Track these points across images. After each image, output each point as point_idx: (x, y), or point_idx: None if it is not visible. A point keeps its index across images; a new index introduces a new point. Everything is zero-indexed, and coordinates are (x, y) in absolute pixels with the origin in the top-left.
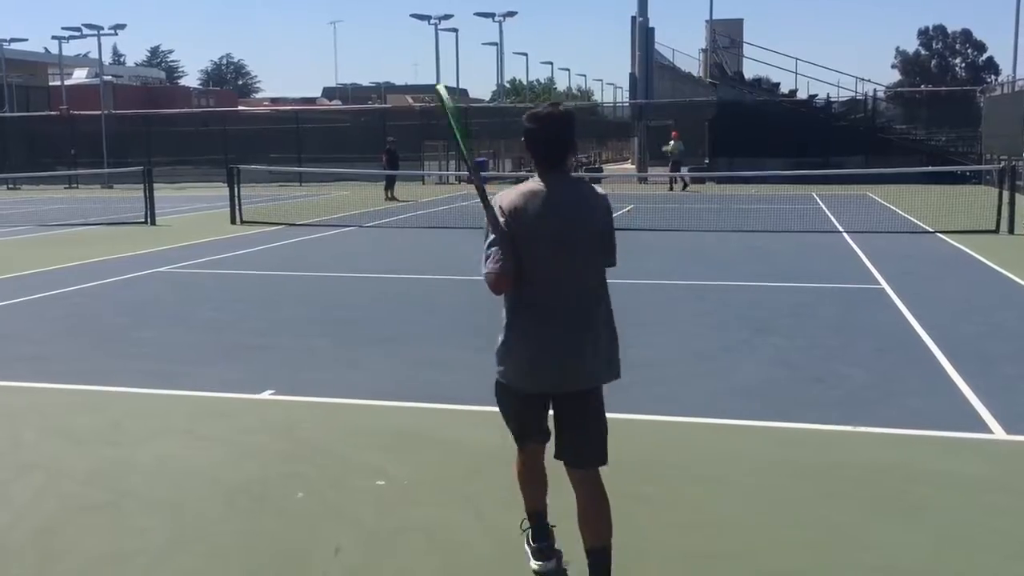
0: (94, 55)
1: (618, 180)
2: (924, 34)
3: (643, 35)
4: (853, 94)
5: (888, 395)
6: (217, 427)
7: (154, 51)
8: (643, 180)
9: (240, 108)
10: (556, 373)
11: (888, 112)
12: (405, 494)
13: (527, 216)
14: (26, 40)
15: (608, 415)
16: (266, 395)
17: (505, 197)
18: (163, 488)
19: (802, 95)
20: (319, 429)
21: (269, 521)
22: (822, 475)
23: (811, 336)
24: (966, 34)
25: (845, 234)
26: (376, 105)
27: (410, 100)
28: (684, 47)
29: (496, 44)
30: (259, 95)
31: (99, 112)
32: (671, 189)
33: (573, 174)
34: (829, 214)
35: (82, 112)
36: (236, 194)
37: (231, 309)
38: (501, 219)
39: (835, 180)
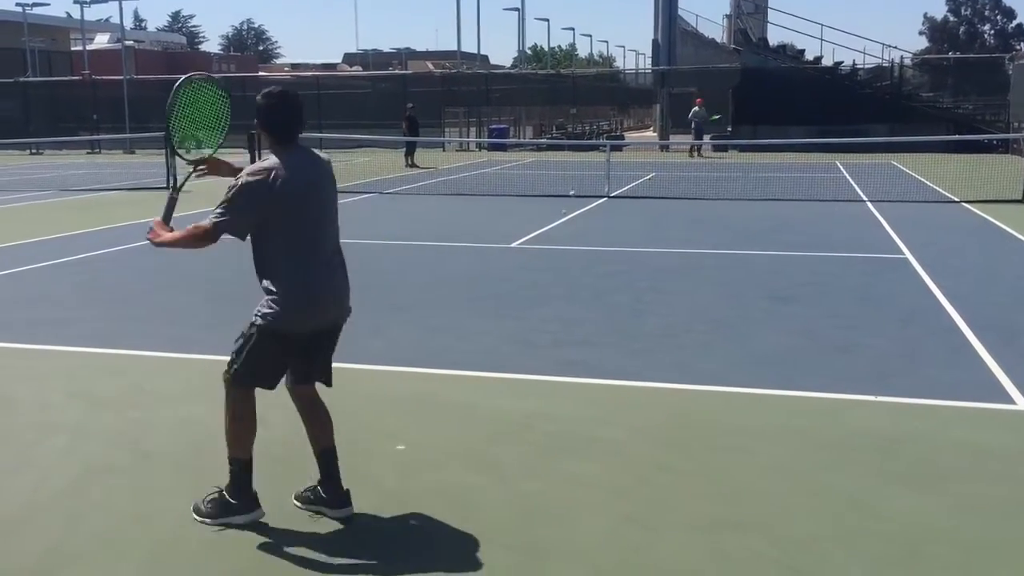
0: (115, 20)
1: (640, 148)
2: (953, 0)
3: (666, 0)
4: (879, 61)
5: (910, 365)
6: None
7: (175, 16)
8: (664, 148)
9: (261, 74)
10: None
11: (914, 80)
12: (425, 459)
13: (293, 186)
14: (48, 4)
15: (629, 383)
16: None
17: (261, 173)
18: (185, 449)
19: (827, 62)
20: (339, 394)
21: (291, 483)
22: (842, 445)
23: (833, 305)
24: (995, 0)
25: (869, 203)
26: (397, 71)
27: (431, 66)
28: (708, 13)
29: (517, 9)
30: (280, 61)
31: (121, 77)
32: (691, 156)
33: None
34: (853, 183)
35: (104, 77)
36: (257, 159)
37: (251, 276)
38: (261, 193)
39: (859, 148)
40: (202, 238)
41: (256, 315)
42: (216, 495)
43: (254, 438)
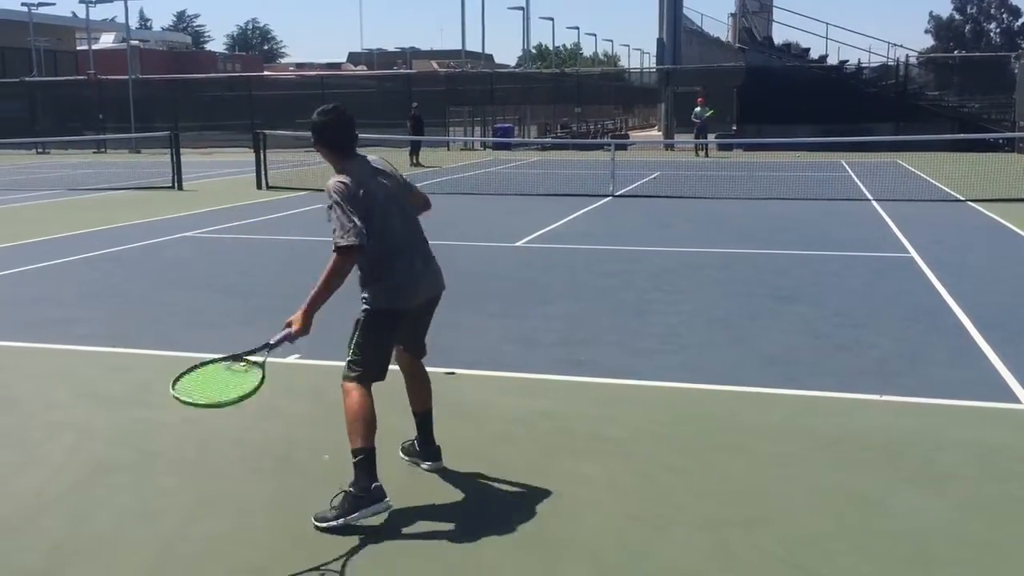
0: (120, 19)
1: (645, 147)
2: None
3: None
4: (884, 60)
5: (915, 364)
6: None
7: (180, 16)
8: (669, 147)
9: (266, 73)
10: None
11: (920, 78)
12: None
13: (370, 191)
14: (53, 4)
15: (632, 382)
16: (292, 359)
17: (346, 184)
18: (191, 449)
19: (832, 61)
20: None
21: (295, 482)
22: (847, 443)
23: (838, 305)
24: None
25: (874, 202)
26: (402, 70)
27: (435, 65)
28: (713, 12)
29: (522, 8)
30: (285, 60)
31: (126, 77)
32: (697, 155)
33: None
34: (858, 182)
35: (109, 77)
36: (262, 159)
37: (257, 274)
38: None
39: (865, 147)
40: (340, 266)
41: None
42: (341, 495)
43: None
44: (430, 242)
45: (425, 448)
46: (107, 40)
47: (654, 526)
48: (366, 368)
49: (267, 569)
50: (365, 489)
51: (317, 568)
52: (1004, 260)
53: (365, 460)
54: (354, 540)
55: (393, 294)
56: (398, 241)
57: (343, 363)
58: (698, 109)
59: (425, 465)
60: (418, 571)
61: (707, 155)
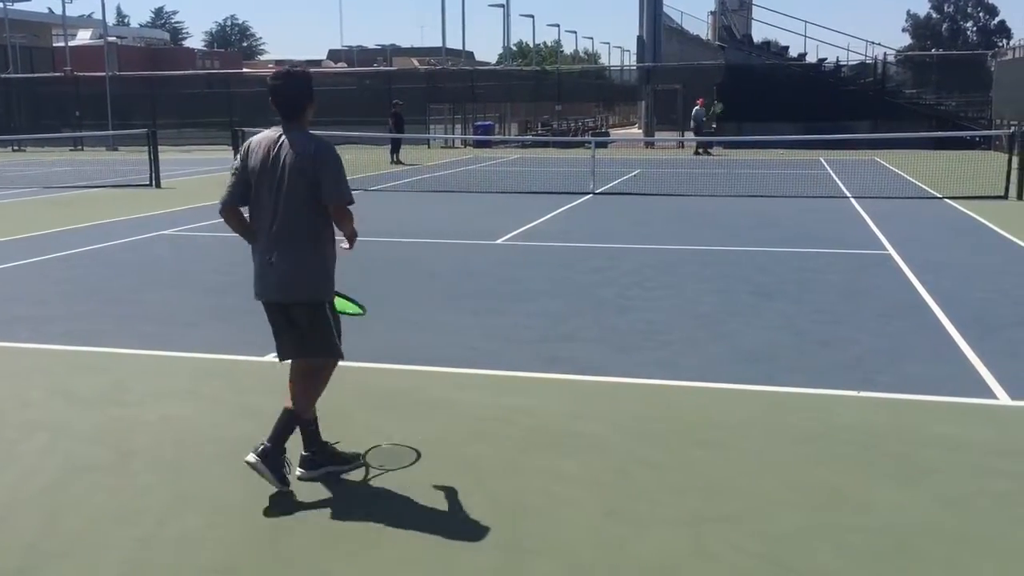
0: (98, 16)
1: (625, 144)
2: None
3: None
4: (863, 58)
5: (893, 360)
6: (220, 388)
7: (158, 12)
8: (650, 145)
9: (245, 70)
10: None
11: (898, 76)
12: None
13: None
14: (29, 0)
15: (611, 379)
16: (270, 357)
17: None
18: (167, 447)
19: (811, 59)
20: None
21: (266, 483)
22: (825, 439)
23: (817, 301)
24: None
25: (852, 199)
26: (382, 68)
27: (416, 62)
28: (693, 10)
29: (503, 6)
30: (264, 57)
31: (103, 74)
32: (696, 154)
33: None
34: (837, 179)
35: (86, 74)
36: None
37: (235, 272)
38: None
39: (843, 145)
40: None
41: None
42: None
43: None
44: (414, 240)
45: (293, 452)
46: (84, 36)
47: (631, 523)
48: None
49: (242, 568)
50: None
51: (290, 567)
52: (981, 257)
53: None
54: (327, 539)
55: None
56: (259, 227)
57: None
58: (698, 109)
59: (298, 472)
60: (391, 569)
61: (708, 153)
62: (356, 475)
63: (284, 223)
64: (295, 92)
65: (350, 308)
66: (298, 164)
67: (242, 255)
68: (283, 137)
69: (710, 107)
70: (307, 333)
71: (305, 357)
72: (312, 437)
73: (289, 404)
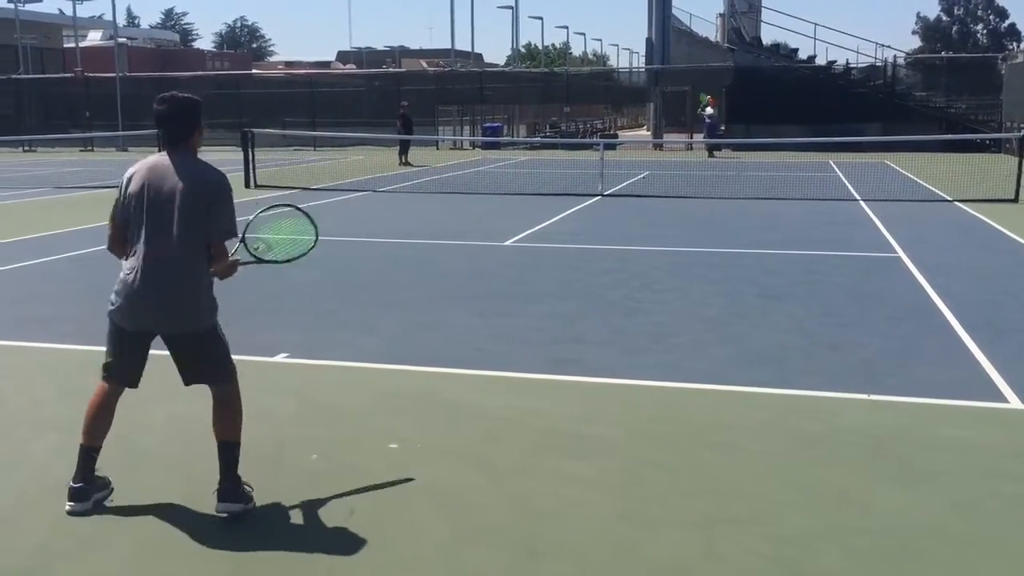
0: (108, 17)
1: (633, 146)
2: (945, 0)
3: None
4: (872, 60)
5: (903, 363)
6: None
7: (168, 13)
8: (658, 147)
9: (254, 72)
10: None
11: (907, 79)
12: (418, 456)
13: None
14: (40, 1)
15: (621, 381)
16: (280, 358)
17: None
18: (177, 448)
19: (820, 61)
20: (332, 392)
21: (283, 482)
22: (834, 442)
23: (826, 304)
24: (988, 0)
25: (862, 202)
26: (390, 69)
27: (424, 64)
28: (702, 12)
29: (511, 7)
30: (273, 59)
31: (114, 75)
32: (711, 156)
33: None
34: (846, 182)
35: (96, 74)
36: (250, 158)
37: (244, 273)
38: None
39: (853, 148)
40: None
41: (210, 317)
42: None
43: None
44: (423, 241)
45: (221, 488)
46: (94, 37)
47: (642, 524)
48: (106, 362)
49: (256, 567)
50: (71, 482)
51: (304, 565)
52: (991, 260)
53: (80, 453)
54: (340, 538)
55: (116, 303)
56: (137, 254)
57: (333, 362)
58: (710, 109)
59: (217, 506)
60: (403, 569)
61: (711, 156)
62: (370, 477)
63: (164, 252)
64: (182, 118)
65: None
66: (192, 190)
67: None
68: (160, 161)
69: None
70: (201, 360)
71: (216, 384)
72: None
73: (222, 435)
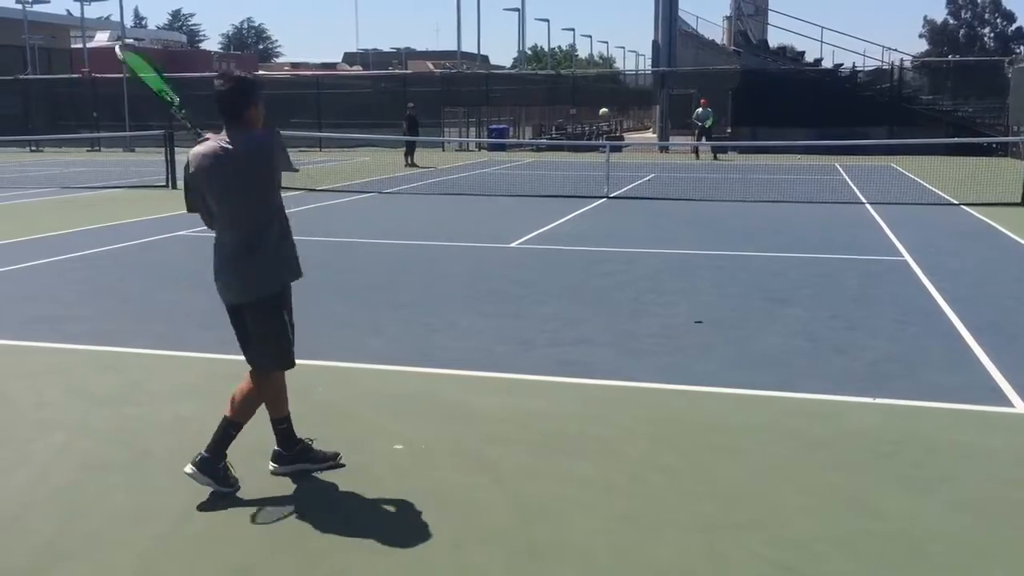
0: (116, 18)
1: (639, 149)
2: (953, 3)
3: (667, 2)
4: (879, 64)
5: (909, 367)
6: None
7: (175, 14)
8: (664, 149)
9: (261, 73)
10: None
11: (914, 82)
12: (423, 458)
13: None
14: (48, 2)
15: (626, 383)
16: None
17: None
18: (182, 448)
19: (827, 64)
20: (337, 393)
21: (287, 482)
22: (840, 446)
23: (832, 307)
24: (995, 3)
25: (868, 205)
26: (397, 71)
27: (431, 66)
28: (708, 14)
29: (518, 10)
30: (280, 60)
31: (121, 75)
32: (698, 158)
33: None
34: (852, 185)
35: (104, 75)
36: None
37: None
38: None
39: (859, 151)
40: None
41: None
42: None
43: None
44: (428, 242)
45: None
46: (102, 38)
47: (646, 527)
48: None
49: (259, 568)
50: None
51: (307, 566)
52: (997, 264)
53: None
54: (345, 538)
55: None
56: (217, 226)
57: (338, 363)
58: (700, 111)
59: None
60: (407, 569)
61: (697, 157)
62: (374, 479)
63: (232, 228)
64: (236, 96)
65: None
66: (247, 154)
67: None
68: (228, 140)
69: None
70: (253, 336)
71: (253, 364)
72: (285, 436)
73: (227, 412)
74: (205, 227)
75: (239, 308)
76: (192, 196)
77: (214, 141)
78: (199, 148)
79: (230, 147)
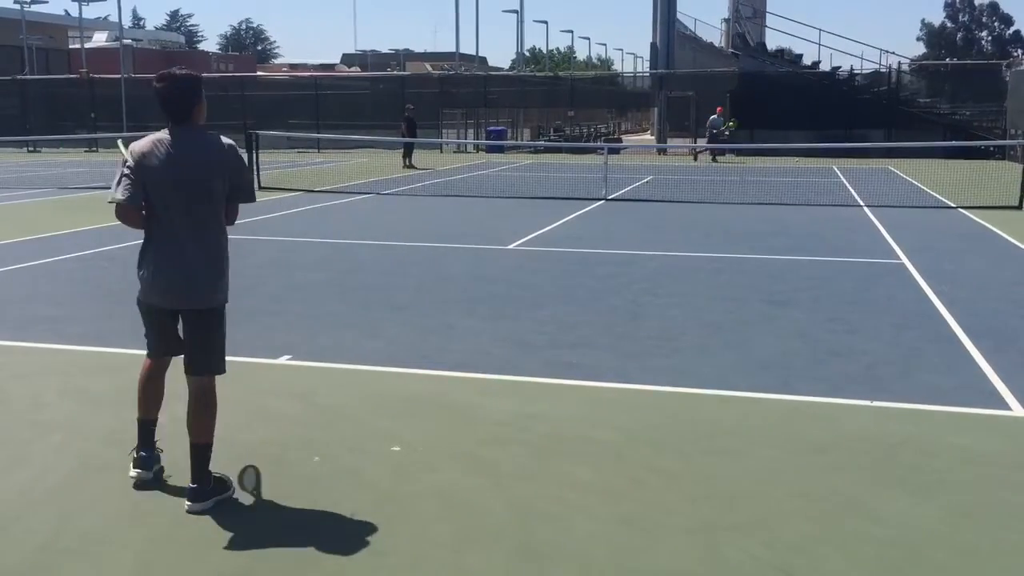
0: (114, 18)
1: (637, 151)
2: (950, 6)
3: (665, 4)
4: (877, 66)
5: (906, 370)
6: (234, 391)
7: (173, 15)
8: (662, 151)
9: (259, 74)
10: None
11: (912, 85)
12: (421, 460)
13: (152, 161)
14: (46, 2)
15: (624, 385)
16: (283, 360)
17: (136, 144)
18: (180, 450)
19: (825, 67)
20: (336, 395)
21: (285, 484)
22: (837, 449)
23: (829, 310)
24: (993, 7)
25: (866, 208)
26: (395, 72)
27: (429, 67)
28: (706, 17)
29: (516, 12)
30: (278, 61)
31: (119, 76)
32: (713, 160)
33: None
34: (850, 187)
35: (102, 75)
36: (255, 160)
37: (249, 275)
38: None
39: (857, 153)
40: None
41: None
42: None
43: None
44: (426, 244)
45: (191, 487)
46: (100, 39)
47: (645, 530)
48: (147, 346)
49: (258, 570)
50: (136, 451)
51: (305, 568)
52: (994, 267)
53: (137, 425)
54: (344, 540)
55: (142, 283)
56: (154, 230)
57: (337, 365)
58: (714, 117)
59: (186, 505)
60: (405, 572)
61: (715, 161)
62: (371, 481)
63: (182, 229)
64: (182, 94)
65: None
66: (208, 160)
67: (254, 258)
68: (176, 137)
69: (728, 119)
70: (199, 343)
71: (198, 372)
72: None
73: (196, 437)
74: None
75: (180, 313)
76: (134, 191)
77: (167, 136)
78: (154, 142)
79: (210, 145)
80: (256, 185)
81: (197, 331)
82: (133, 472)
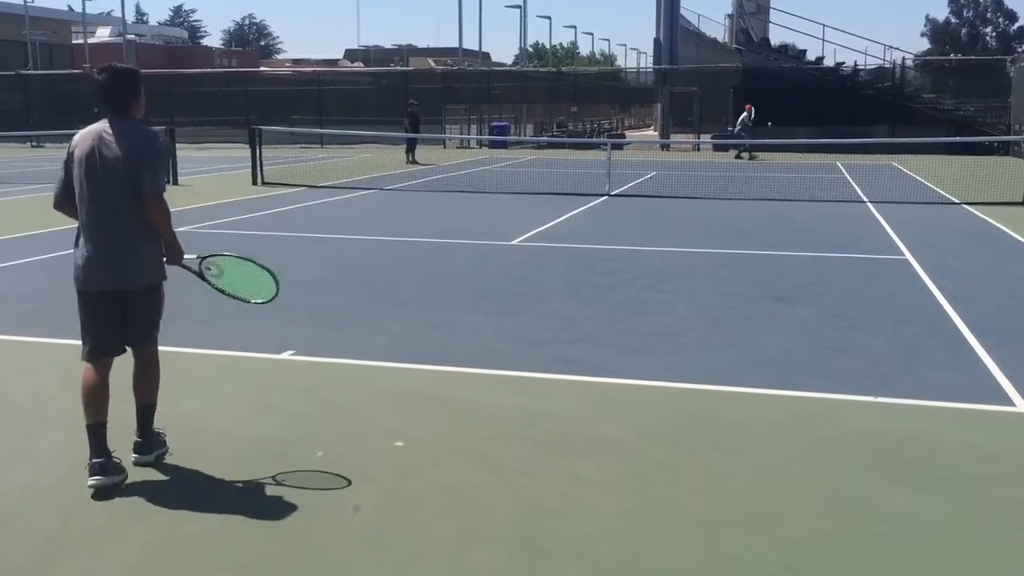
0: (117, 13)
1: (641, 147)
2: (955, 2)
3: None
4: (881, 62)
5: (910, 366)
6: (237, 386)
7: (177, 10)
8: (665, 147)
9: (262, 69)
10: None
11: (916, 81)
12: (424, 455)
13: (82, 152)
14: None
15: (628, 381)
16: (286, 355)
17: (76, 135)
18: (183, 445)
19: (829, 63)
20: (339, 390)
21: (288, 480)
22: (841, 445)
23: (833, 306)
24: (997, 3)
25: (869, 204)
26: (398, 68)
27: (432, 63)
28: (710, 12)
29: (519, 7)
30: (281, 56)
31: None
32: (740, 157)
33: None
34: (853, 183)
35: None
36: (258, 155)
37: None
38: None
39: (860, 149)
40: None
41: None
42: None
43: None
44: (429, 240)
45: (137, 440)
46: (103, 34)
47: (649, 526)
48: (84, 344)
49: (260, 566)
50: (91, 460)
51: (307, 564)
52: (998, 263)
53: (89, 433)
54: (347, 536)
55: (75, 270)
56: (84, 217)
57: (340, 360)
58: (745, 115)
59: (133, 457)
60: (410, 566)
61: (751, 158)
62: (375, 477)
63: (109, 215)
64: (122, 87)
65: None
66: (129, 152)
67: (256, 254)
68: (111, 128)
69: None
70: (139, 319)
71: (141, 345)
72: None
73: (145, 398)
74: (200, 222)
75: (123, 294)
76: (63, 185)
77: (106, 127)
78: (89, 132)
79: (134, 136)
80: (259, 180)
81: (138, 309)
82: (92, 480)
